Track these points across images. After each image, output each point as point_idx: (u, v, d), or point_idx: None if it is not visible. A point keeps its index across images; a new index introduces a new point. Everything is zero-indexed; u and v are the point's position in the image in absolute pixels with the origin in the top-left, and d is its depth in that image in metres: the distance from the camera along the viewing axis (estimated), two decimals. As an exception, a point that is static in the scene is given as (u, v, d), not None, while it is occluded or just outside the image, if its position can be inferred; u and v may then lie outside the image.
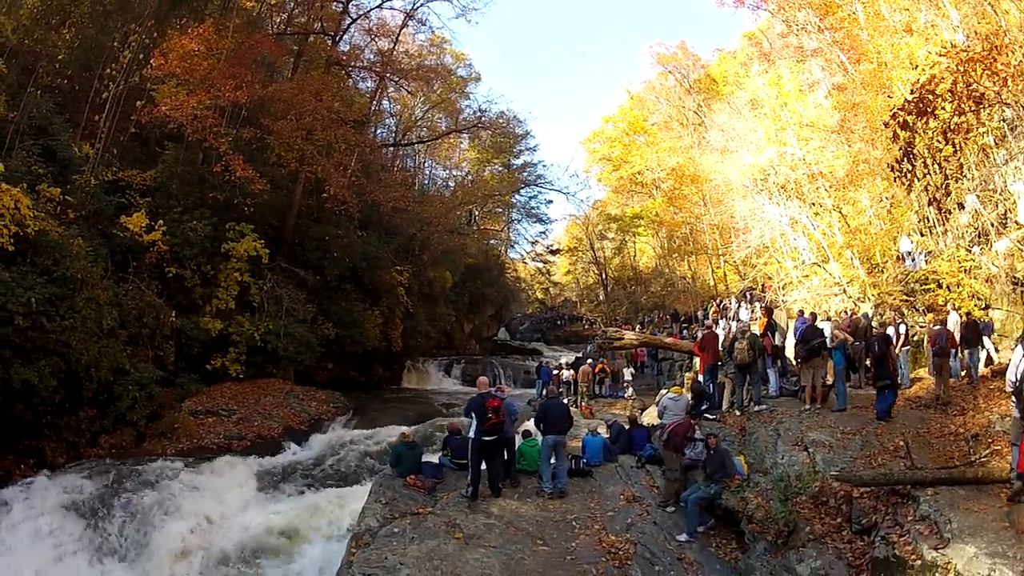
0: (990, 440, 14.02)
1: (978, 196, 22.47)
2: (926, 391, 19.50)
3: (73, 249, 22.19)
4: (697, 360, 25.95)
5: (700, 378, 24.34)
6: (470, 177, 74.34)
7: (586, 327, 72.75)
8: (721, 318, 37.25)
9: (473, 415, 15.95)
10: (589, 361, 37.85)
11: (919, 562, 11.01)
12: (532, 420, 22.50)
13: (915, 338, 21.77)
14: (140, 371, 23.86)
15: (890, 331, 21.32)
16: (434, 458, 18.43)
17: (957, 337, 19.49)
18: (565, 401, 21.10)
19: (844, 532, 13.11)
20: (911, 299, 24.24)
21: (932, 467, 13.48)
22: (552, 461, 16.79)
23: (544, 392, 33.73)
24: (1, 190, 20.22)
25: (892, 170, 22.88)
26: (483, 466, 16.14)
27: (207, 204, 30.69)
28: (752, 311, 32.93)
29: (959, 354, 19.69)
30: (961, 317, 20.22)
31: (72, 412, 21.71)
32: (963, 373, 19.23)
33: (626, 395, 33.49)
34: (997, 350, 20.63)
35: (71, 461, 21.00)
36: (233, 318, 30.84)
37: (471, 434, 16.15)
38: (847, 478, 14.08)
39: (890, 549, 11.70)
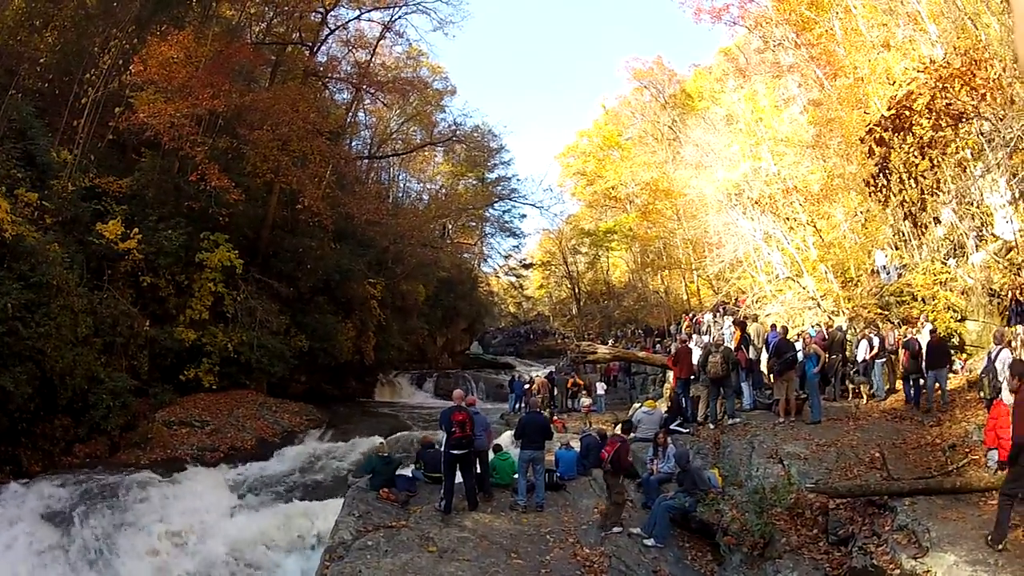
0: (967, 450, 14.16)
1: (954, 210, 22.61)
2: (901, 403, 19.62)
3: (50, 255, 22.06)
4: (671, 374, 25.97)
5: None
6: (444, 191, 74.30)
7: (559, 341, 72.70)
8: (694, 332, 37.32)
9: (443, 428, 15.93)
10: (542, 375, 37.89)
11: (897, 571, 11.07)
12: (505, 434, 22.59)
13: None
14: (114, 380, 23.66)
15: (863, 344, 21.50)
16: (408, 471, 18.36)
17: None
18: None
19: (821, 543, 13.21)
20: (886, 312, 24.36)
21: (909, 477, 13.59)
22: (529, 475, 16.71)
23: (518, 406, 33.74)
24: (-20, 194, 20.13)
25: (868, 185, 23.11)
26: (457, 479, 16.09)
27: (182, 213, 30.55)
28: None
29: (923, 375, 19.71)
30: (937, 329, 20.34)
31: (47, 420, 21.57)
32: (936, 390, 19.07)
33: (582, 405, 33.23)
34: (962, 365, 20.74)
35: (46, 469, 20.87)
36: (207, 328, 30.62)
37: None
38: (823, 490, 14.17)
39: (868, 559, 11.74)
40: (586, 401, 32.94)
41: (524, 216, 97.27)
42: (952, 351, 20.51)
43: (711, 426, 20.95)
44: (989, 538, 10.86)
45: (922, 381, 19.18)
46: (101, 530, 18.00)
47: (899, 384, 20.71)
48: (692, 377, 22.86)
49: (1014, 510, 11.04)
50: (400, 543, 14.06)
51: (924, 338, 19.64)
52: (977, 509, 11.97)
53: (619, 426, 20.35)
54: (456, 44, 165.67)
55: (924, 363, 18.95)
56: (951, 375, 19.93)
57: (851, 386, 22.06)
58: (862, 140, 22.71)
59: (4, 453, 20.15)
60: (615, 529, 15.29)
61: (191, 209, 30.73)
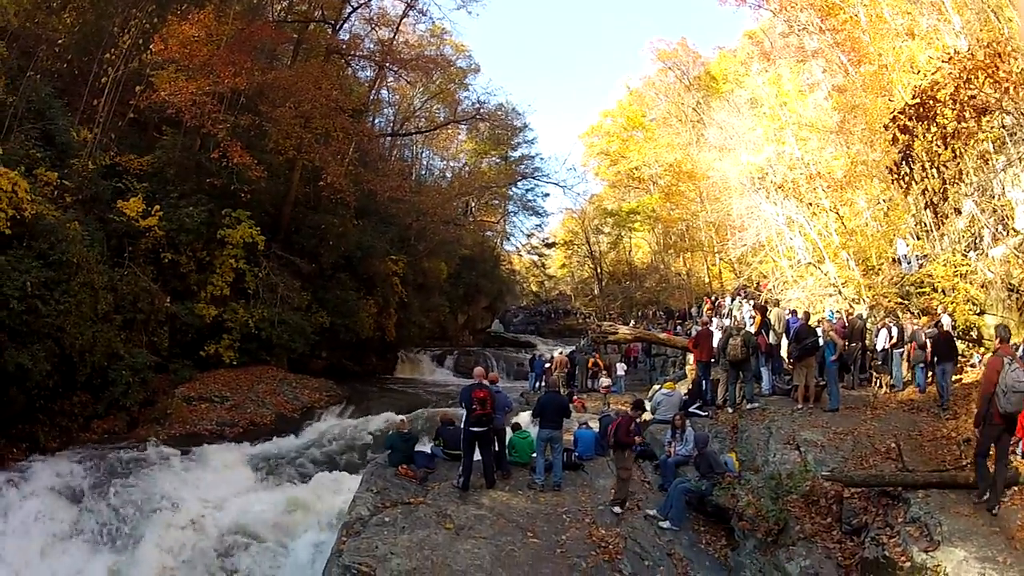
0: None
1: (976, 202, 22.49)
2: (919, 394, 19.59)
3: (69, 233, 22.15)
4: (691, 356, 25.93)
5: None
6: (467, 168, 74.22)
7: (580, 321, 72.58)
8: (715, 316, 37.26)
9: (464, 405, 16.02)
10: (558, 352, 37.92)
11: (908, 564, 11.07)
12: (524, 413, 22.60)
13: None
14: (134, 356, 23.87)
15: (883, 333, 21.43)
16: (427, 448, 18.46)
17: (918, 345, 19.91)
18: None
19: (834, 532, 13.18)
20: (906, 302, 24.26)
21: (923, 470, 13.55)
22: (547, 454, 16.78)
23: (538, 384, 33.74)
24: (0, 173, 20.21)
25: (890, 173, 22.96)
26: (476, 457, 16.18)
27: (204, 190, 30.64)
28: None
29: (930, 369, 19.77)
30: (956, 323, 20.33)
31: (65, 396, 21.75)
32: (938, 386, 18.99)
33: (601, 386, 33.01)
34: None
35: (64, 446, 21.09)
36: (228, 305, 30.75)
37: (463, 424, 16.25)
38: (838, 478, 14.13)
39: (880, 550, 11.75)
40: (605, 381, 32.74)
41: (547, 195, 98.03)
42: (970, 344, 20.50)
43: (729, 410, 20.78)
44: (975, 496, 11.90)
45: (930, 374, 19.34)
46: (118, 506, 18.14)
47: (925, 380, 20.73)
48: (713, 360, 22.82)
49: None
50: (417, 519, 14.22)
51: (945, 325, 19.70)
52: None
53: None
54: (479, 22, 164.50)
55: (932, 356, 19.05)
56: (969, 368, 19.92)
57: (875, 375, 21.99)
58: (886, 127, 22.55)
59: (22, 430, 20.38)
60: (615, 508, 15.40)
61: (213, 186, 30.85)
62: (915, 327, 20.57)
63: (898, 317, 22.74)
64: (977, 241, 22.72)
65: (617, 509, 15.39)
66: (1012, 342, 17.11)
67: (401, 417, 23.90)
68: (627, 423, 16.06)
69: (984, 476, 12.04)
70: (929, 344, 19.19)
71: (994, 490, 11.73)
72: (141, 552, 16.96)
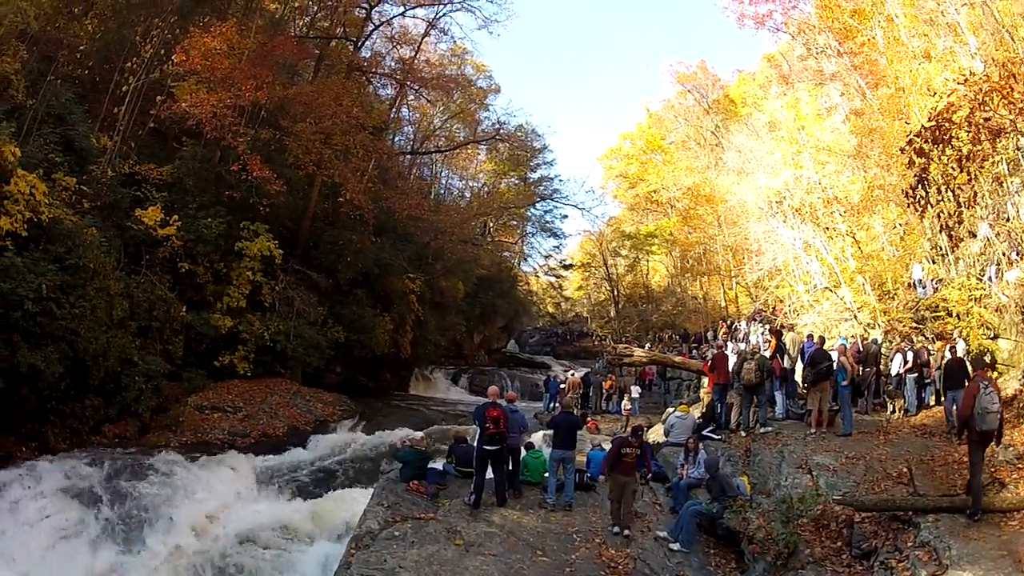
0: (992, 469, 14.00)
1: (991, 224, 22.44)
2: (932, 419, 19.51)
3: (87, 238, 22.36)
4: (706, 380, 25.88)
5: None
6: (486, 189, 74.33)
7: (595, 343, 72.38)
8: (730, 339, 37.17)
9: (477, 423, 16.05)
10: (571, 374, 37.91)
11: (916, 587, 11.06)
12: (537, 433, 22.61)
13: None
14: (148, 363, 24.01)
15: (897, 357, 21.37)
16: (439, 465, 18.46)
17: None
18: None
19: (844, 556, 13.15)
20: (921, 326, 24.20)
21: (934, 494, 13.53)
22: (559, 474, 16.78)
23: (552, 405, 33.69)
24: (18, 175, 20.40)
25: (906, 196, 22.97)
26: (488, 475, 16.18)
27: (223, 202, 30.74)
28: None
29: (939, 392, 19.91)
30: (971, 348, 20.25)
31: (77, 399, 21.94)
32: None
33: (624, 408, 32.94)
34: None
35: (73, 447, 21.20)
36: (243, 316, 30.80)
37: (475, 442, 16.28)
38: (849, 502, 14.12)
39: (889, 574, 11.73)
40: (627, 404, 32.76)
41: (565, 217, 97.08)
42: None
43: (743, 434, 20.81)
44: (968, 512, 12.38)
45: (942, 398, 19.46)
46: (126, 509, 18.16)
47: (930, 399, 20.70)
48: (728, 384, 22.76)
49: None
50: (427, 535, 14.20)
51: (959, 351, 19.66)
52: (998, 529, 11.93)
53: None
54: (499, 39, 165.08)
55: (944, 383, 19.05)
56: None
57: (889, 400, 21.91)
58: (902, 151, 22.64)
59: (31, 430, 20.56)
60: (614, 529, 15.36)
61: (231, 198, 30.95)
62: (921, 346, 20.62)
63: (912, 342, 22.68)
64: (991, 265, 22.65)
65: (616, 529, 15.37)
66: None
67: (420, 433, 23.94)
68: (616, 448, 16.05)
69: (977, 498, 12.45)
70: (942, 368, 19.26)
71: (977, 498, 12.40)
72: (146, 556, 17.00)
